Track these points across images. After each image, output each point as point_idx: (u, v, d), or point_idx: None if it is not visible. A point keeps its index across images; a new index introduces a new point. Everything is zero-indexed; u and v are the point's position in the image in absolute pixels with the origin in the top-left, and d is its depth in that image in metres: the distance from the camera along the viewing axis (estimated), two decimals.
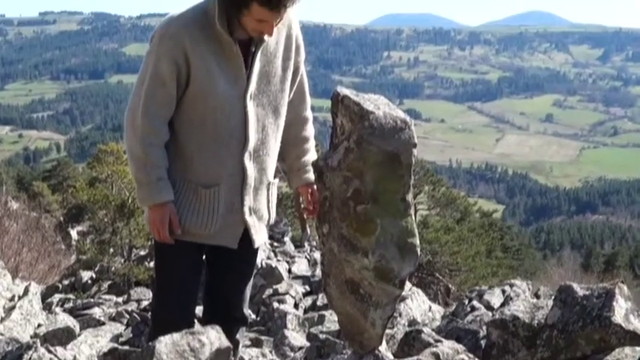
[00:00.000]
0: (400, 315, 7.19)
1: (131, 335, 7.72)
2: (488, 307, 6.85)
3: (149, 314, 7.35)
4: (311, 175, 3.76)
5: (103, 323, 8.97)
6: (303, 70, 3.80)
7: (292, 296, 10.11)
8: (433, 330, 4.90)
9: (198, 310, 3.86)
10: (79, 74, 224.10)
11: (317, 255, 12.95)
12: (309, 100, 3.91)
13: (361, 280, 3.50)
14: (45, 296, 11.67)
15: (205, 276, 3.85)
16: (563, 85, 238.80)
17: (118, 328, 8.68)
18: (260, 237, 3.74)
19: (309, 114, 3.91)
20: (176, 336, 3.00)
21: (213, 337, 3.09)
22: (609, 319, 3.67)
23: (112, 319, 9.42)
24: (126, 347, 6.43)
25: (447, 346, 3.96)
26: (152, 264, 14.07)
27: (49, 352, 4.85)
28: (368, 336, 3.66)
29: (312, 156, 3.90)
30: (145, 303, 10.84)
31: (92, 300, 11.49)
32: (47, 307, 10.07)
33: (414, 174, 3.47)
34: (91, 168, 21.88)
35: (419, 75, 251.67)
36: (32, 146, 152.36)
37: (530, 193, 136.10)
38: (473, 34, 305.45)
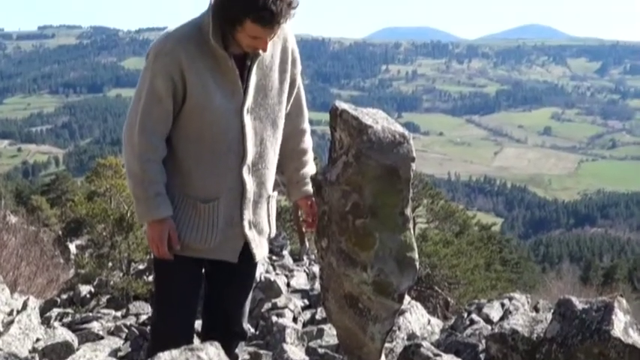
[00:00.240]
0: (399, 329, 7.17)
1: (130, 349, 7.69)
2: (488, 320, 6.83)
3: (148, 328, 7.34)
4: (310, 188, 3.77)
5: (102, 337, 8.93)
6: (299, 82, 3.79)
7: (291, 310, 10.08)
8: (432, 344, 4.89)
9: (197, 324, 3.85)
10: (77, 88, 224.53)
11: (316, 268, 12.93)
12: (306, 112, 3.91)
13: (360, 294, 3.50)
14: (43, 310, 11.64)
15: (204, 290, 3.84)
16: (561, 98, 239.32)
17: (117, 342, 8.64)
18: (260, 251, 3.73)
19: (306, 126, 3.91)
20: (175, 352, 2.98)
21: (212, 353, 3.08)
22: (608, 333, 3.67)
23: (111, 333, 9.38)
24: None
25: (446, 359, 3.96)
26: (151, 278, 14.08)
27: None
28: (367, 350, 3.66)
29: (311, 168, 3.90)
30: (143, 317, 10.81)
31: (91, 314, 11.45)
32: (46, 322, 10.05)
33: (412, 187, 3.47)
34: (90, 182, 21.90)
35: (417, 88, 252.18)
36: (31, 160, 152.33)
37: (529, 206, 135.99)
38: (471, 47, 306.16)
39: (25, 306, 8.06)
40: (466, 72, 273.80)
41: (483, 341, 4.75)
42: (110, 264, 16.03)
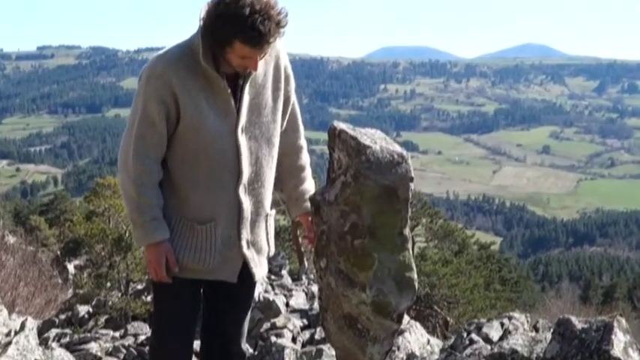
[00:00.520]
0: (398, 349, 7.15)
1: None
2: (487, 340, 6.81)
3: (146, 349, 7.32)
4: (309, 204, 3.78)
5: (100, 358, 8.90)
6: (294, 99, 3.79)
7: (290, 330, 10.05)
8: None
9: (196, 344, 3.84)
10: (76, 108, 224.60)
11: (315, 288, 12.90)
12: (302, 129, 3.90)
13: (359, 314, 3.50)
14: (41, 331, 11.59)
15: (203, 310, 3.83)
16: (559, 117, 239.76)
17: None
18: (260, 270, 3.72)
19: (303, 142, 3.91)
20: None
21: None
22: (608, 353, 3.66)
23: (109, 354, 9.34)
24: None
25: None
26: (149, 298, 14.04)
27: None
28: None
29: (309, 184, 3.91)
30: (142, 337, 10.77)
31: (89, 335, 11.41)
32: (44, 342, 10.00)
33: (411, 206, 3.47)
34: (89, 202, 21.89)
35: (415, 107, 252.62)
36: (29, 180, 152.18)
37: (528, 225, 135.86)
38: (469, 66, 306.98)
39: (23, 327, 8.02)
40: (464, 91, 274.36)
41: None
42: (108, 284, 15.98)
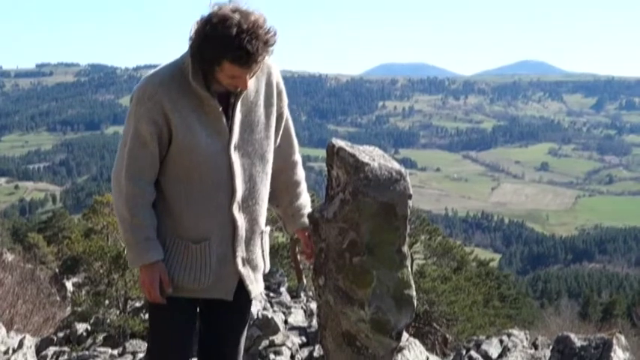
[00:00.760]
0: None
1: None
2: (486, 357, 6.81)
3: None
4: (306, 219, 3.77)
5: None
6: (287, 114, 3.78)
7: (289, 347, 10.03)
8: None
9: None
10: (75, 125, 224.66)
11: (313, 305, 12.88)
12: (296, 144, 3.89)
13: (358, 332, 3.49)
14: (39, 349, 11.56)
15: (199, 328, 3.81)
16: (557, 134, 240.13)
17: None
18: (256, 287, 3.71)
19: (297, 157, 3.90)
20: None
21: None
22: None
23: None
24: None
25: None
26: (147, 315, 14.01)
27: None
28: None
29: (305, 199, 3.90)
30: (140, 355, 10.74)
31: (87, 352, 11.37)
32: None
33: (409, 223, 3.48)
34: (87, 219, 21.89)
35: (414, 124, 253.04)
36: (28, 197, 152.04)
37: (527, 242, 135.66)
38: (467, 83, 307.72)
39: (21, 345, 8.02)
40: (463, 108, 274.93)
41: None
42: (107, 302, 15.93)
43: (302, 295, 15.52)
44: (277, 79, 3.66)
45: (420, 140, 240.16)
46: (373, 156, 3.43)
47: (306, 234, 3.82)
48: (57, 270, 24.56)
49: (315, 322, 11.19)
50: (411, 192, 3.42)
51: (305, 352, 10.30)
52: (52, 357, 11.14)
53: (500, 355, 6.62)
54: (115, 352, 11.95)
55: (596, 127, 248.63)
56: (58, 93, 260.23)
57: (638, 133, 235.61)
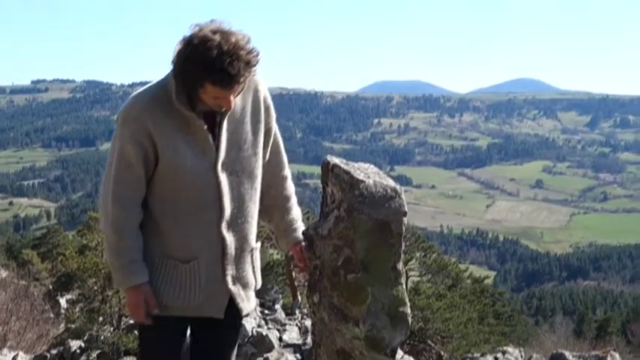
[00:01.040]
0: None
1: None
2: None
3: None
4: (299, 234, 3.78)
5: None
6: (276, 129, 3.76)
7: None
8: None
9: None
10: (70, 142, 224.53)
11: (308, 323, 12.86)
12: (285, 159, 3.87)
13: (352, 349, 3.49)
14: None
15: (190, 346, 3.80)
16: (552, 152, 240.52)
17: None
18: (247, 305, 3.68)
19: (287, 172, 3.88)
20: None
21: None
22: None
23: None
24: None
25: None
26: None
27: None
28: None
29: (296, 213, 3.89)
30: None
31: None
32: None
33: (405, 240, 3.48)
34: (81, 236, 21.80)
35: (409, 141, 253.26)
36: (22, 214, 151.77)
37: (522, 259, 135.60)
38: (462, 101, 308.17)
39: None
40: (458, 125, 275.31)
41: None
42: (101, 318, 15.89)
43: (297, 312, 15.50)
44: (264, 94, 3.64)
45: (415, 157, 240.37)
46: (368, 173, 3.44)
47: (298, 248, 3.82)
48: (51, 286, 24.48)
49: (309, 339, 11.17)
50: (406, 209, 3.42)
51: None
52: None
53: None
54: None
55: (590, 144, 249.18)
56: (54, 109, 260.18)
57: (633, 151, 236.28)
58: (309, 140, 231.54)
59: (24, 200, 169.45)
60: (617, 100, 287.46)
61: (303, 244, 3.79)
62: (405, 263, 19.10)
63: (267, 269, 18.48)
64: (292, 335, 12.80)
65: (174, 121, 3.36)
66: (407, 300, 3.50)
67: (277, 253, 20.94)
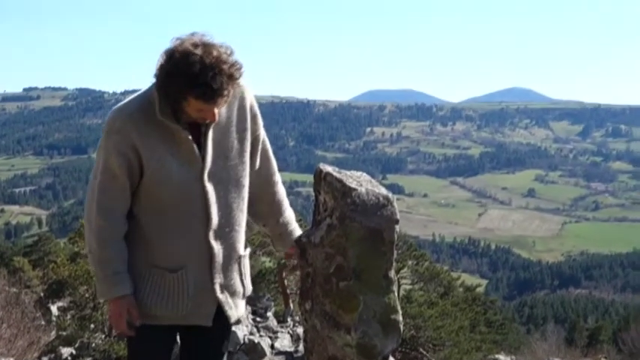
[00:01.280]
0: None
1: None
2: None
3: None
4: (295, 235, 3.80)
5: None
6: (263, 135, 3.74)
7: None
8: None
9: None
10: (62, 149, 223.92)
11: (300, 330, 12.86)
12: (275, 164, 3.86)
13: (344, 357, 3.49)
14: None
15: (179, 354, 3.80)
16: (544, 161, 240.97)
17: None
18: (235, 312, 3.67)
19: (277, 177, 3.87)
20: None
21: None
22: None
23: None
24: None
25: None
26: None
27: None
28: None
29: (289, 215, 3.89)
30: None
31: None
32: None
33: (397, 249, 3.49)
34: (73, 243, 21.71)
35: (402, 150, 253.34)
36: (14, 221, 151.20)
37: (514, 268, 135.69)
38: (454, 110, 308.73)
39: None
40: (450, 134, 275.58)
41: None
42: (92, 326, 15.85)
43: (289, 319, 15.48)
44: (251, 102, 3.62)
45: (407, 166, 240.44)
46: (360, 181, 3.45)
47: (295, 250, 3.84)
48: (42, 294, 24.41)
49: (301, 346, 11.16)
50: (399, 217, 3.43)
51: None
52: None
53: None
54: None
55: (582, 154, 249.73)
56: (45, 117, 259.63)
57: (624, 160, 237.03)
58: (301, 149, 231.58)
59: (15, 208, 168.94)
60: (609, 109, 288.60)
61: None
62: (397, 271, 19.11)
63: (259, 277, 18.44)
64: (284, 343, 12.79)
65: (159, 132, 3.34)
66: (399, 308, 3.51)
67: (269, 261, 20.92)
